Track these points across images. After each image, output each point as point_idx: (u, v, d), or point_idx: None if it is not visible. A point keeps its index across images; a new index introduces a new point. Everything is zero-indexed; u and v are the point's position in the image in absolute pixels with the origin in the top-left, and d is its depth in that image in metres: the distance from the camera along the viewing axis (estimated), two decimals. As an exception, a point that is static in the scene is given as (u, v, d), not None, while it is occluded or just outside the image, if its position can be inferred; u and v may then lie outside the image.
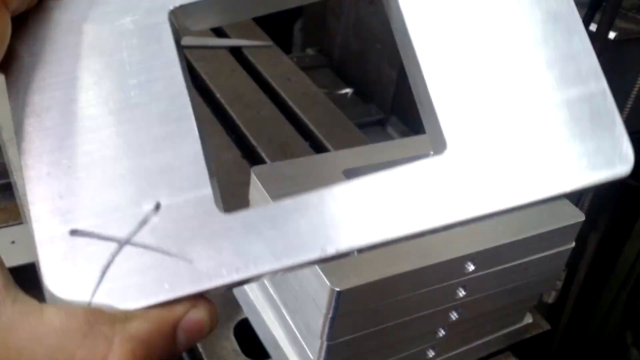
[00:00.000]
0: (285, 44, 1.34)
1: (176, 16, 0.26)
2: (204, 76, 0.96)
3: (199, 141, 0.24)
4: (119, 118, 0.24)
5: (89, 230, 0.24)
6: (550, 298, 1.06)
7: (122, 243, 0.24)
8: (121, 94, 0.24)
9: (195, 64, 0.98)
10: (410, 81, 0.28)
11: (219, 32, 1.07)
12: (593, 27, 0.95)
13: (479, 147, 0.25)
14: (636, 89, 0.92)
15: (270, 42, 1.07)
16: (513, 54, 0.25)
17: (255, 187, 0.56)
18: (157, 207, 0.24)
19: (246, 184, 0.57)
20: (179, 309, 0.24)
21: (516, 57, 0.25)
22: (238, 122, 0.88)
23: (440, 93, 0.25)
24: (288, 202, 0.24)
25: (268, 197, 0.54)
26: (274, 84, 0.97)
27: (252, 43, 1.05)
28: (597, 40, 0.95)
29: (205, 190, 0.24)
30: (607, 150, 0.25)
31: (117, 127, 0.24)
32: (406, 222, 0.25)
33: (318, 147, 0.86)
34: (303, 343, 0.53)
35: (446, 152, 0.25)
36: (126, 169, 0.24)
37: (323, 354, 0.51)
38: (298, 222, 0.24)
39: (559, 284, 1.07)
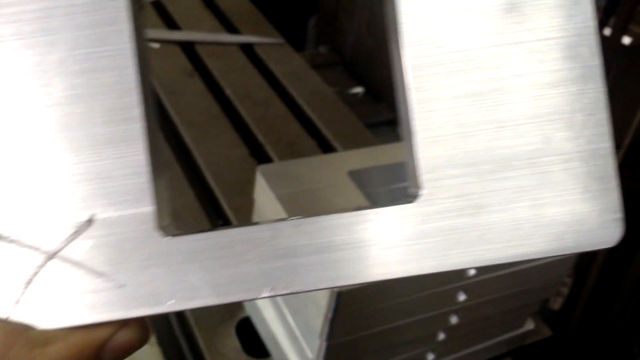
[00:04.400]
0: (299, 40, 1.34)
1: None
2: (215, 72, 0.96)
3: (144, 151, 0.22)
4: (57, 111, 0.22)
5: (13, 237, 0.22)
6: (557, 304, 1.06)
7: (49, 256, 0.21)
8: (64, 82, 0.22)
9: (207, 60, 0.98)
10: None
11: (230, 28, 1.07)
12: (608, 32, 0.95)
13: (457, 196, 0.23)
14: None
15: (281, 40, 1.07)
16: (513, 93, 0.23)
17: (261, 186, 0.57)
18: (91, 220, 0.22)
19: (253, 182, 0.58)
20: (105, 331, 0.22)
21: (518, 98, 0.23)
22: (247, 119, 0.89)
23: (425, 128, 0.23)
24: (236, 232, 0.22)
25: (274, 196, 0.55)
26: (284, 82, 0.97)
27: (264, 40, 1.05)
28: (610, 46, 0.95)
29: (146, 208, 0.22)
30: (597, 216, 0.23)
31: (53, 121, 0.22)
32: (364, 270, 0.22)
33: (325, 147, 0.86)
34: (303, 342, 0.54)
35: (420, 199, 0.23)
36: (61, 173, 0.22)
37: (322, 354, 0.51)
38: (245, 255, 0.22)
39: (565, 291, 1.06)
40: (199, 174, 0.80)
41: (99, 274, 0.22)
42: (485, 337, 0.61)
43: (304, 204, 0.54)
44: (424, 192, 0.23)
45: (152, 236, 0.22)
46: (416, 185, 0.23)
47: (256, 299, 0.23)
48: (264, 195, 0.56)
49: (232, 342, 0.62)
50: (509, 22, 0.23)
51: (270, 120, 0.89)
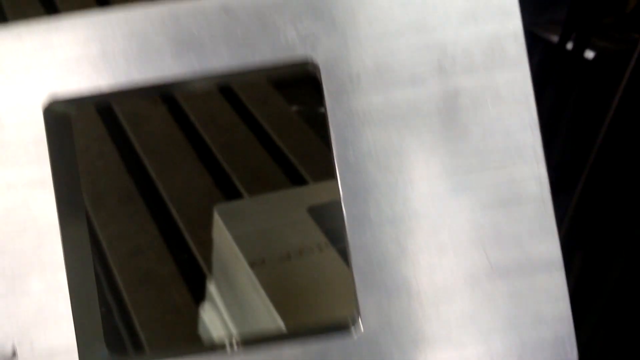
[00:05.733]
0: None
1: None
2: (179, 98, 0.95)
3: (67, 295, 0.22)
4: None
5: None
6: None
7: None
8: None
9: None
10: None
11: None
12: (570, 46, 0.95)
13: (397, 331, 0.21)
14: (612, 111, 0.91)
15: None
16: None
17: (218, 226, 0.56)
18: (14, 354, 0.22)
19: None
20: None
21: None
22: (212, 146, 0.88)
23: (359, 250, 0.21)
24: None
25: (230, 236, 0.54)
26: (249, 106, 0.97)
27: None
28: (573, 60, 0.95)
29: (70, 347, 0.22)
30: (550, 346, 0.21)
31: None
32: None
33: (292, 173, 0.85)
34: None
35: (359, 336, 0.21)
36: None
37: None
38: None
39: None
40: (162, 207, 0.79)
41: None
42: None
43: (261, 245, 0.53)
44: (362, 324, 0.21)
45: None
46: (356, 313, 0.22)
47: None
48: (221, 235, 0.55)
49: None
50: (446, 134, 0.21)
51: (235, 146, 0.88)
